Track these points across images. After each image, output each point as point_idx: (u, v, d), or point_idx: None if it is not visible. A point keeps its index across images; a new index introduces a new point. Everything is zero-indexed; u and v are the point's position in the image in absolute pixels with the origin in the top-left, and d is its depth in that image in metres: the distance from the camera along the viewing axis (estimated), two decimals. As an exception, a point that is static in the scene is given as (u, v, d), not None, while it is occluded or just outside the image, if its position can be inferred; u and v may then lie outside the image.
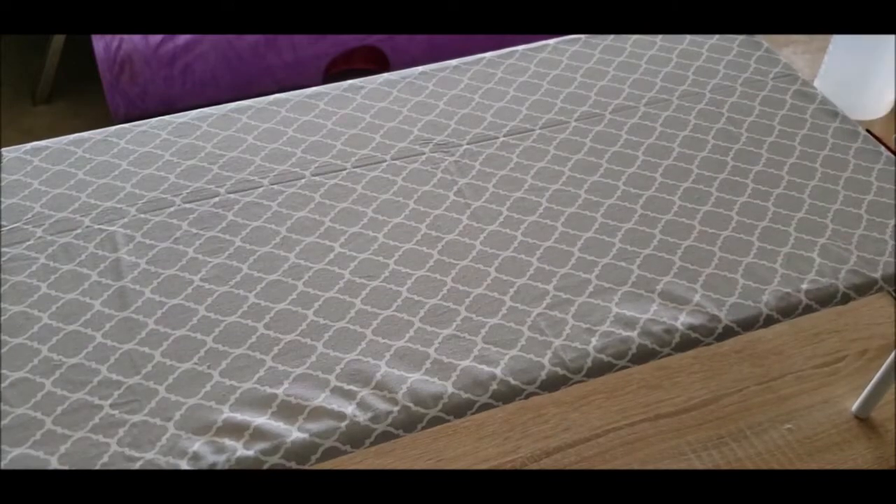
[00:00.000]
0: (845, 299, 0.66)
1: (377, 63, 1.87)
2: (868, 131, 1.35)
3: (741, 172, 0.74)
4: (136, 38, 1.68)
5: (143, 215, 0.70)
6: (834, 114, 0.80)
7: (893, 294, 1.03)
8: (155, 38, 1.70)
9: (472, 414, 0.58)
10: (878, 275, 0.67)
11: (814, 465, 0.86)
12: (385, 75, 0.83)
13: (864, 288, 0.66)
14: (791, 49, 1.46)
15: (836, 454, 0.86)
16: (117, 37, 1.65)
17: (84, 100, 1.79)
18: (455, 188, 0.72)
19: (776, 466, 0.86)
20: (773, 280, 0.66)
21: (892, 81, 1.29)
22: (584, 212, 0.70)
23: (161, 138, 0.76)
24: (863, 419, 0.89)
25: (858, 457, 0.87)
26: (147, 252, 0.67)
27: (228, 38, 1.73)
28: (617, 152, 0.75)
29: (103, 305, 0.63)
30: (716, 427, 0.88)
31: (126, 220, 0.69)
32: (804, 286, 0.65)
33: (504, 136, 0.77)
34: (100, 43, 1.64)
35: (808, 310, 0.65)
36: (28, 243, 0.67)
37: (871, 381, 0.90)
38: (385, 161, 0.75)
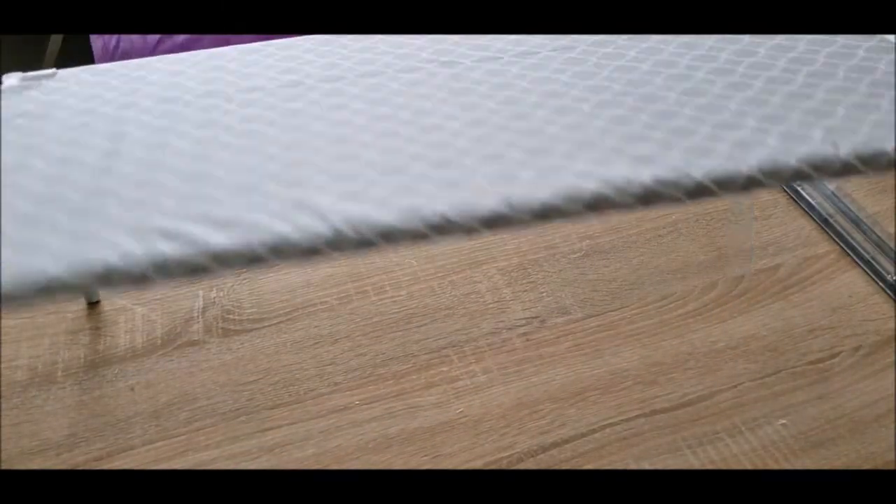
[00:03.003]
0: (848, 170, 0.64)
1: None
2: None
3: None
4: (134, 38, 1.68)
5: None
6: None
7: (890, 295, 1.03)
8: (153, 38, 1.70)
9: (413, 244, 0.59)
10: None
11: (808, 461, 0.87)
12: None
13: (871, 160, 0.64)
14: (787, 47, 1.46)
15: (831, 449, 0.88)
16: (115, 36, 1.65)
17: (83, 99, 1.79)
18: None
19: (771, 462, 0.87)
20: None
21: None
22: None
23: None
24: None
25: (852, 452, 0.88)
26: None
27: (227, 38, 1.74)
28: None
29: None
30: (711, 423, 0.90)
31: None
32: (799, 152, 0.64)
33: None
34: (98, 42, 1.64)
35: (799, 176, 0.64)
36: None
37: (865, 376, 0.91)
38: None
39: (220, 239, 0.57)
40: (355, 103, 0.72)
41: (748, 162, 0.63)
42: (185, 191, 0.61)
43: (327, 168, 0.63)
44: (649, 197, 0.61)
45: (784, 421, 0.91)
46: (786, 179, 0.63)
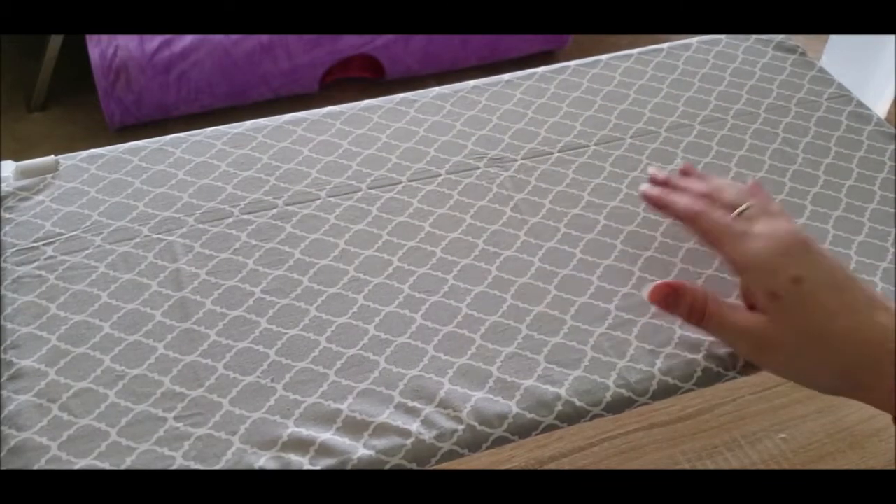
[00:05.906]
0: None
1: (373, 71, 1.88)
2: None
3: (799, 194, 0.74)
4: (132, 46, 1.68)
5: (201, 225, 0.69)
6: (891, 136, 0.79)
7: None
8: (150, 46, 1.70)
9: (538, 435, 0.58)
10: None
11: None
12: (437, 89, 0.83)
13: None
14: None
15: (830, 464, 0.85)
16: (113, 44, 1.65)
17: (79, 107, 1.80)
18: (511, 203, 0.72)
19: (770, 477, 0.86)
20: None
21: (891, 82, 1.27)
22: (643, 230, 0.70)
23: (217, 148, 0.76)
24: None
25: (852, 466, 0.86)
26: (207, 263, 0.66)
27: (225, 46, 1.73)
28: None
29: (164, 316, 0.62)
30: (710, 436, 0.87)
31: (184, 230, 0.69)
32: None
33: (559, 151, 0.77)
34: (95, 50, 1.64)
35: None
36: (87, 252, 0.67)
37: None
38: (440, 175, 0.74)
39: None
40: None
41: None
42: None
43: None
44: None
45: (784, 435, 0.90)
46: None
